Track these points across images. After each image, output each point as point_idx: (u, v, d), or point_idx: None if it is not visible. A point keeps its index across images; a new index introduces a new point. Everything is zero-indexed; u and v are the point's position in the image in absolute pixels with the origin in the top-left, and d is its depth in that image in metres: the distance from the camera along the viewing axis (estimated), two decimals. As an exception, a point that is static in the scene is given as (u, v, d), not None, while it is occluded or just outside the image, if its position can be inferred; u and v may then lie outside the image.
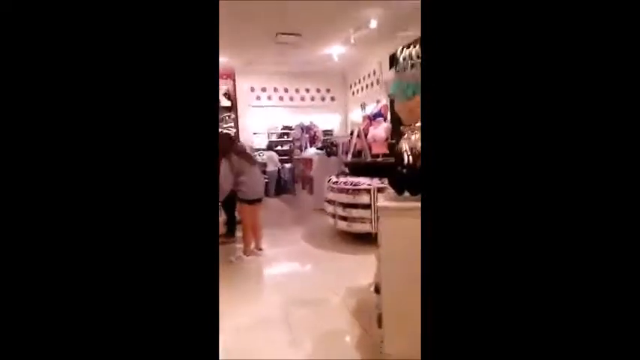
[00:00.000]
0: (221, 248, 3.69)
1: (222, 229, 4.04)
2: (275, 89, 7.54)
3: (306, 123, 7.50)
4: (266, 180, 7.17)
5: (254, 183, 3.25)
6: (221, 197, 3.20)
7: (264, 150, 7.21)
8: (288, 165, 7.42)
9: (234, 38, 5.26)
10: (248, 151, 3.72)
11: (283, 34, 5.25)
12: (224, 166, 3.06)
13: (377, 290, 1.61)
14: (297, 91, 7.69)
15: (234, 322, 2.17)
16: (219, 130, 4.29)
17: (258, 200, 3.36)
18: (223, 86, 6.92)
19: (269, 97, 7.51)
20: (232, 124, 7.00)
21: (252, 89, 7.34)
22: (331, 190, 3.84)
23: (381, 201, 1.66)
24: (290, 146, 7.57)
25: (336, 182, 3.79)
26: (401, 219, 1.50)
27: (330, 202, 3.87)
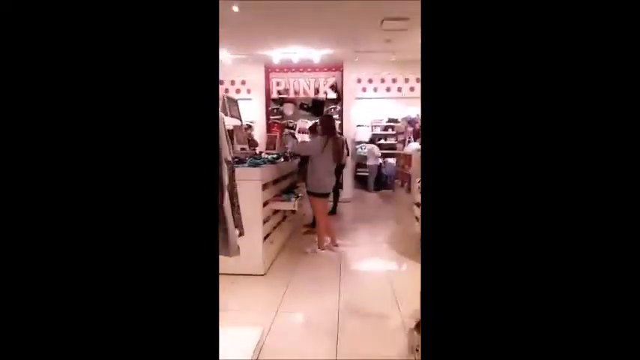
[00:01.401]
0: (303, 238, 3.78)
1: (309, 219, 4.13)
2: (382, 80, 7.21)
3: (414, 116, 6.96)
4: (366, 174, 7.05)
5: (323, 176, 3.17)
6: (299, 151, 3.57)
7: (366, 143, 7.04)
8: (390, 160, 7.06)
9: (341, 28, 5.21)
10: (346, 146, 3.71)
11: (390, 19, 4.92)
12: (319, 140, 3.16)
13: (419, 328, 1.30)
14: (406, 80, 7.17)
15: (281, 317, 2.16)
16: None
17: (326, 195, 3.28)
18: (331, 79, 7.02)
19: (375, 89, 7.24)
20: (336, 117, 7.07)
21: (359, 80, 7.21)
22: (421, 192, 3.42)
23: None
24: (395, 140, 7.18)
25: (428, 184, 3.35)
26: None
27: (419, 205, 3.46)
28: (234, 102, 3.72)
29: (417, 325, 1.37)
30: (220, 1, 0.77)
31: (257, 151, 3.99)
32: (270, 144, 4.77)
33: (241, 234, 1.84)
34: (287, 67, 6.71)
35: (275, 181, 3.16)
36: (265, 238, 2.84)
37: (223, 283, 2.48)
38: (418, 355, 1.37)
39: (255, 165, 2.83)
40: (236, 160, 2.82)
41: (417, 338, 1.32)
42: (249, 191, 2.62)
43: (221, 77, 6.62)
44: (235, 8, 4.03)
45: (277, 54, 6.07)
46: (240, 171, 2.65)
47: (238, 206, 1.85)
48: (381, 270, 3.04)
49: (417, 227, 3.52)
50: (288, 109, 6.88)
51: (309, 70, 6.85)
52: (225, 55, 5.77)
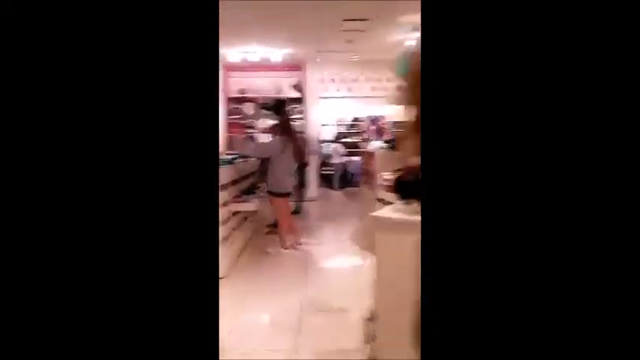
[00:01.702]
0: (265, 238, 3.73)
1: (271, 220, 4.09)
2: (343, 80, 7.31)
3: (376, 114, 7.13)
4: (331, 172, 7.12)
5: (282, 176, 3.16)
6: (258, 155, 3.55)
7: (330, 142, 7.10)
8: (355, 158, 7.17)
9: (301, 29, 5.21)
10: (310, 146, 3.72)
11: (349, 20, 4.99)
12: (278, 141, 3.14)
13: (372, 319, 1.34)
14: (367, 80, 7.32)
15: (242, 318, 2.12)
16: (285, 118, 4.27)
17: (286, 195, 3.28)
18: (293, 78, 7.00)
19: (338, 89, 7.33)
20: (300, 116, 7.06)
21: (322, 80, 7.26)
22: (382, 189, 3.50)
23: (384, 210, 1.36)
24: (361, 138, 7.31)
25: (388, 180, 3.44)
26: (401, 236, 1.18)
27: (381, 201, 3.54)
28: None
29: (370, 316, 1.41)
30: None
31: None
32: (231, 144, 4.67)
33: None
34: (247, 67, 6.60)
35: (234, 182, 3.10)
36: (225, 240, 2.77)
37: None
38: (374, 344, 1.40)
39: (212, 165, 2.76)
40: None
41: (372, 328, 1.36)
42: (205, 192, 2.54)
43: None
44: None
45: (236, 53, 5.95)
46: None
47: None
48: (344, 266, 3.08)
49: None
50: (249, 109, 6.77)
51: (270, 69, 6.78)
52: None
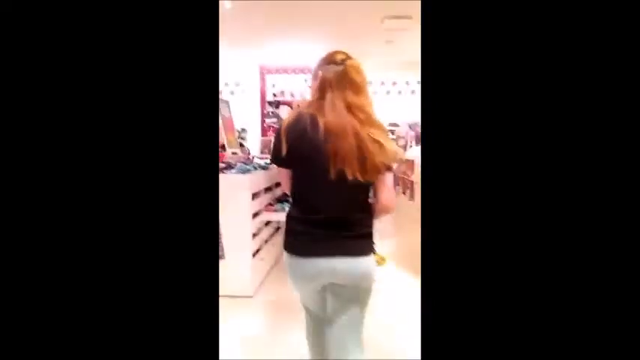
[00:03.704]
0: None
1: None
2: (382, 82, 6.98)
3: (415, 119, 6.71)
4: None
5: None
6: None
7: (365, 148, 6.77)
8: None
9: (340, 29, 5.00)
10: None
11: (391, 18, 4.70)
12: None
13: None
14: (407, 83, 6.94)
15: (272, 343, 1.86)
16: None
17: None
18: (330, 81, 6.77)
19: (374, 92, 7.00)
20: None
21: (359, 83, 6.96)
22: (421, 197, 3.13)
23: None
24: (399, 145, 6.92)
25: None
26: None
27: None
28: (224, 103, 3.45)
29: None
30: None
31: (250, 156, 3.72)
32: (265, 148, 4.52)
33: (220, 257, 1.56)
34: (283, 69, 6.46)
35: (267, 189, 2.87)
36: (255, 254, 2.54)
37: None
38: None
39: (245, 171, 2.55)
40: (224, 165, 2.54)
41: None
42: (236, 201, 2.33)
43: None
44: (227, 4, 3.78)
45: (273, 55, 5.83)
46: (227, 178, 2.36)
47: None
48: (384, 288, 2.74)
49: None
50: (285, 113, 6.62)
51: (306, 72, 6.60)
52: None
